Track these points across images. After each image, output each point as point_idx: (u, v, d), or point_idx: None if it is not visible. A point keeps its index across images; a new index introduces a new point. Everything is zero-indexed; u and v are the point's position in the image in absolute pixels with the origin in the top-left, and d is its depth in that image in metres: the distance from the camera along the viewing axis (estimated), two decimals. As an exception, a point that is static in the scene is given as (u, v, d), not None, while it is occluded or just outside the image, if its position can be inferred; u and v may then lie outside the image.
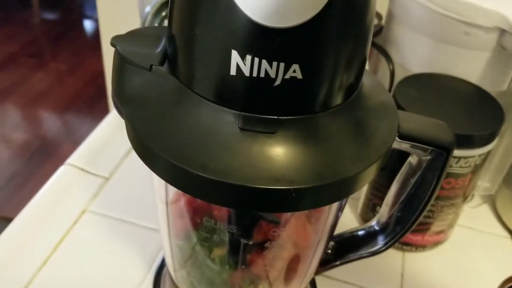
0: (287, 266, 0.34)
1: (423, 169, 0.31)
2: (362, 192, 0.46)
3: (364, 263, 0.44)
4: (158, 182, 0.31)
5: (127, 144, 0.55)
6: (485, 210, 0.51)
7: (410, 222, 0.33)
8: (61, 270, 0.41)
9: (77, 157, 0.51)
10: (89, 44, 2.07)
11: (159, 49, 0.26)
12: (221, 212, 0.31)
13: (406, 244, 0.45)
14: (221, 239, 0.32)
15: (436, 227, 0.43)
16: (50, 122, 1.71)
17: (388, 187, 0.34)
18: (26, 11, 2.18)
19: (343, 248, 0.36)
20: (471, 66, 0.43)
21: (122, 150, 0.53)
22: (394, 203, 0.34)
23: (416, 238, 0.44)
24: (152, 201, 0.48)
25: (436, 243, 0.45)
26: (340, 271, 0.43)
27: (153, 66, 0.25)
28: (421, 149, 0.30)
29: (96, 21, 2.11)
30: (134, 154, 0.53)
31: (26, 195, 1.42)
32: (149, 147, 0.24)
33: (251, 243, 0.32)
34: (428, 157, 0.30)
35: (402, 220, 0.33)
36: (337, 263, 0.37)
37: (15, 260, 0.41)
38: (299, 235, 0.32)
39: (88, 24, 2.23)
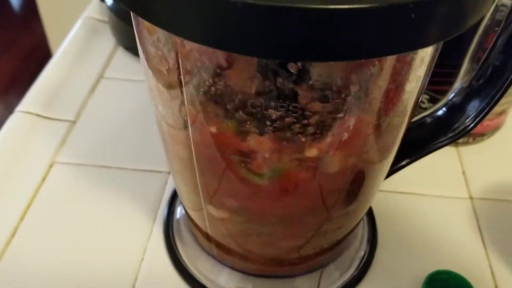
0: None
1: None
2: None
3: (416, 169, 0.36)
4: (167, 99, 0.21)
5: (90, 79, 0.44)
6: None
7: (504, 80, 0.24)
8: (35, 239, 0.30)
9: (29, 103, 0.40)
10: (18, 19, 1.88)
11: None
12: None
13: (460, 135, 0.36)
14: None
15: (498, 105, 0.35)
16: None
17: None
18: None
19: (411, 142, 0.27)
20: None
21: (84, 87, 0.41)
22: (478, 58, 0.25)
23: (474, 125, 0.36)
24: (135, 139, 0.38)
25: (494, 130, 0.37)
26: (392, 181, 0.34)
27: None
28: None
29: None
30: (101, 89, 0.42)
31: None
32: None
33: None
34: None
35: (493, 80, 0.25)
36: (404, 163, 0.28)
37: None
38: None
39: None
